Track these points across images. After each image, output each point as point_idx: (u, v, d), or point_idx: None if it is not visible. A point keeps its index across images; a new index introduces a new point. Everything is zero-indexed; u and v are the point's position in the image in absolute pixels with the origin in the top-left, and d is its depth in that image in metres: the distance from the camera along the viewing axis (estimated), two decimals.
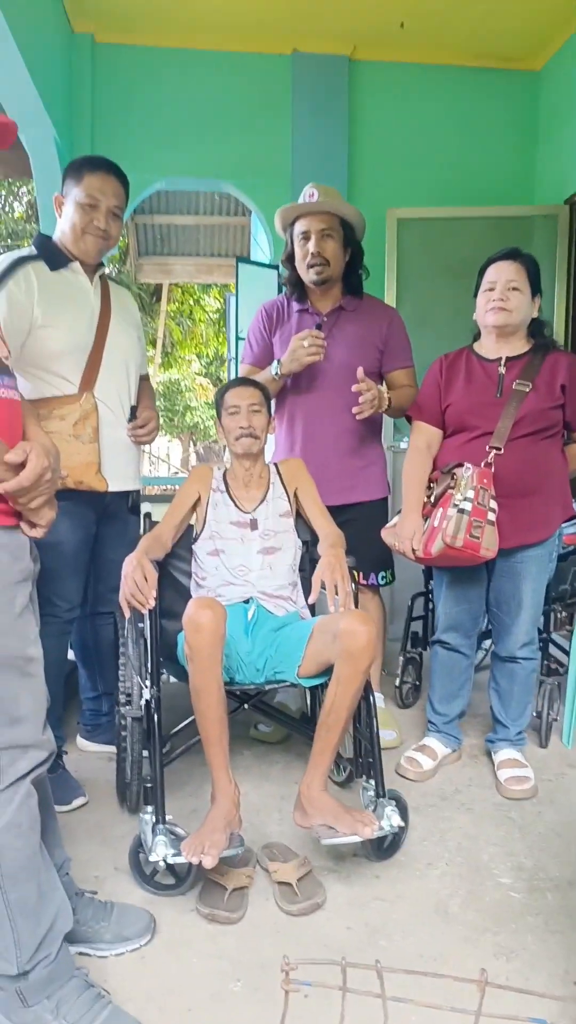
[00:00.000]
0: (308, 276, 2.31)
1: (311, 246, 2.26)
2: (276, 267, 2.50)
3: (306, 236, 2.28)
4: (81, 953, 1.35)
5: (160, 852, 1.45)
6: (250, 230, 5.89)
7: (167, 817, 1.57)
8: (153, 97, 3.60)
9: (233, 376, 4.32)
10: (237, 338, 3.76)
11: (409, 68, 3.71)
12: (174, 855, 1.46)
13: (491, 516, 1.93)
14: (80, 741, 2.29)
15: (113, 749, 2.12)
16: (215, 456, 14.80)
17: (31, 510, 1.16)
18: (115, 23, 3.48)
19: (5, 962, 1.12)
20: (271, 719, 2.11)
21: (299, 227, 2.30)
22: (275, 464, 2.18)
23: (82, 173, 1.93)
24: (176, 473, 14.22)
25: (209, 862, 1.41)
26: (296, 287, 2.40)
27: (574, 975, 1.37)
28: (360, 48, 3.64)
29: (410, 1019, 1.19)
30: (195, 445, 15.98)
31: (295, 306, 2.41)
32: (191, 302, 11.55)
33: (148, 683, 1.75)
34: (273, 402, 2.27)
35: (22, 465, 1.10)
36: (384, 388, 2.34)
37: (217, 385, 13.96)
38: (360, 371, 2.15)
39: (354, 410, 2.19)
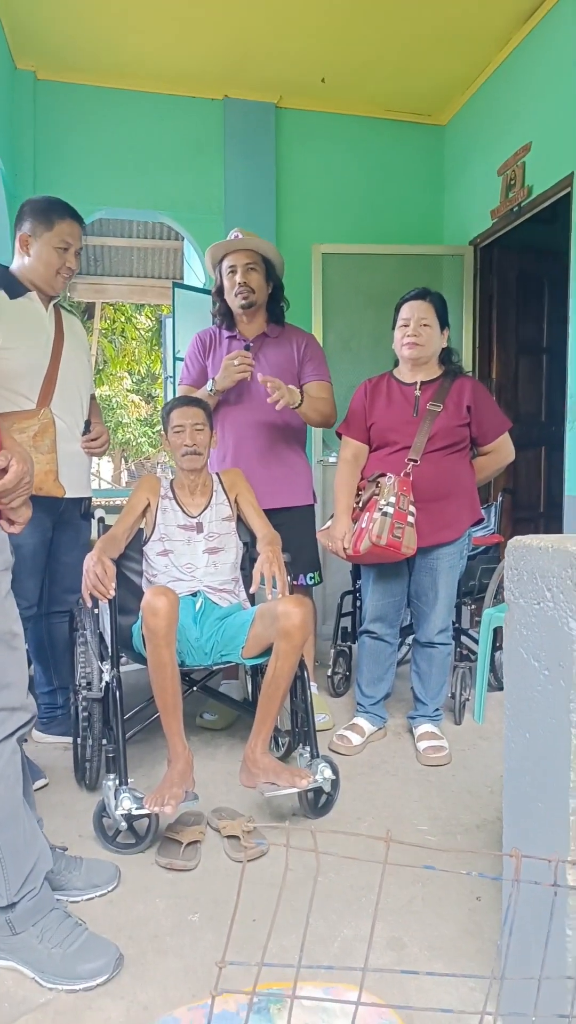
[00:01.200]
0: (236, 303, 2.58)
1: (238, 277, 2.55)
2: (209, 291, 2.77)
3: (233, 270, 2.57)
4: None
5: (126, 805, 1.65)
6: (183, 253, 6.13)
7: (128, 780, 1.77)
8: (93, 133, 3.79)
9: (169, 393, 4.54)
10: (175, 358, 3.98)
11: (330, 117, 4.06)
12: (137, 808, 1.66)
13: (410, 519, 2.23)
14: (36, 734, 2.43)
15: (68, 740, 2.29)
16: (147, 473, 14.78)
17: (11, 509, 1.35)
18: (56, 62, 3.67)
19: None
20: (218, 700, 2.33)
21: (227, 263, 2.60)
22: (217, 474, 2.42)
23: (52, 219, 2.14)
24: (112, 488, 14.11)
25: (170, 811, 1.62)
26: (226, 317, 2.67)
27: (477, 892, 1.65)
28: (285, 97, 3.97)
29: (338, 871, 1.62)
30: (127, 463, 15.90)
31: (225, 333, 2.69)
32: (123, 320, 11.66)
33: (108, 666, 1.94)
34: None
35: (4, 470, 1.30)
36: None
37: (149, 402, 14.02)
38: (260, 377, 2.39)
39: (269, 400, 2.38)
